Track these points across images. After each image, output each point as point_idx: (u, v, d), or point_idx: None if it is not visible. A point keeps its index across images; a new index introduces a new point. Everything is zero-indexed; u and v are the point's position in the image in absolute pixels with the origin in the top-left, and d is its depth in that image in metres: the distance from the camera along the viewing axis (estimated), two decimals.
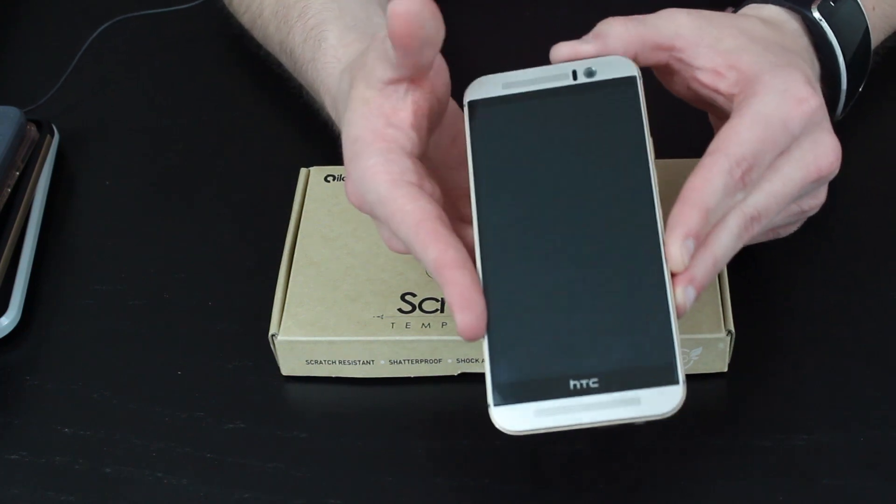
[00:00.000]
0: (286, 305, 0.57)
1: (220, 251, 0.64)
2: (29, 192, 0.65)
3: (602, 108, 0.47)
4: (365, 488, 0.53)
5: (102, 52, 0.76)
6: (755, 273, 0.59)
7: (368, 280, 0.58)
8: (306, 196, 0.62)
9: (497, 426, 0.43)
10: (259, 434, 0.56)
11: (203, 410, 0.57)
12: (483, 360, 0.44)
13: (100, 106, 0.73)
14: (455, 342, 0.55)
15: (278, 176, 0.65)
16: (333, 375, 0.57)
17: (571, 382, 0.43)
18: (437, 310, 0.56)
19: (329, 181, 0.62)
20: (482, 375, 0.56)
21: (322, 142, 0.65)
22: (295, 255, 0.59)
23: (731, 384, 0.56)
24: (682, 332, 0.54)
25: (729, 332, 0.54)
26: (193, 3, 0.74)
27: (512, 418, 0.43)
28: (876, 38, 0.60)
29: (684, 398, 0.43)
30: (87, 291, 0.63)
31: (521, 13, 0.76)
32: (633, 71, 0.47)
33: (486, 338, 0.45)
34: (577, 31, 0.76)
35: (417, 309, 0.56)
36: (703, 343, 0.54)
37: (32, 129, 0.68)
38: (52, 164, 0.68)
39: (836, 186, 0.63)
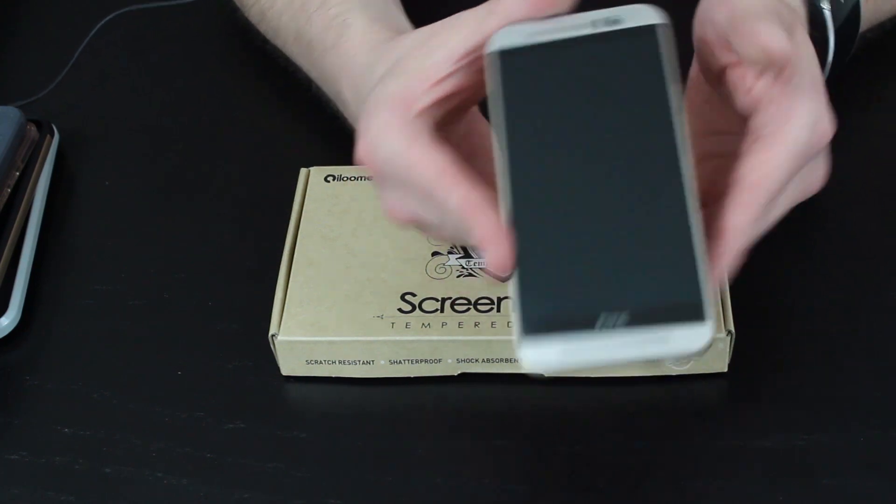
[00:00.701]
0: (286, 305, 0.57)
1: (220, 251, 0.64)
2: (29, 192, 0.65)
3: (624, 56, 0.47)
4: (365, 488, 0.53)
5: (102, 51, 0.76)
6: (755, 273, 0.59)
7: (368, 280, 0.58)
8: (306, 196, 0.62)
9: (523, 363, 0.43)
10: (259, 434, 0.56)
11: (203, 410, 0.57)
12: (511, 299, 0.44)
13: (100, 105, 0.73)
14: (455, 342, 0.55)
15: (279, 176, 0.65)
16: (333, 375, 0.57)
17: (600, 319, 0.43)
18: (436, 309, 0.56)
19: (329, 181, 0.62)
20: (483, 376, 0.56)
21: (322, 142, 0.66)
22: (295, 256, 0.59)
23: (731, 384, 0.56)
24: None
25: (729, 332, 0.54)
26: None
27: (539, 355, 0.43)
28: (866, 20, 0.61)
29: (713, 336, 0.42)
30: (87, 291, 0.63)
31: None
32: (656, 19, 0.47)
33: (515, 275, 0.45)
34: None
35: (417, 309, 0.56)
36: None
37: (32, 129, 0.68)
38: (52, 164, 0.68)
39: (836, 186, 0.63)
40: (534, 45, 0.48)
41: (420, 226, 0.50)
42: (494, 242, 0.45)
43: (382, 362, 0.56)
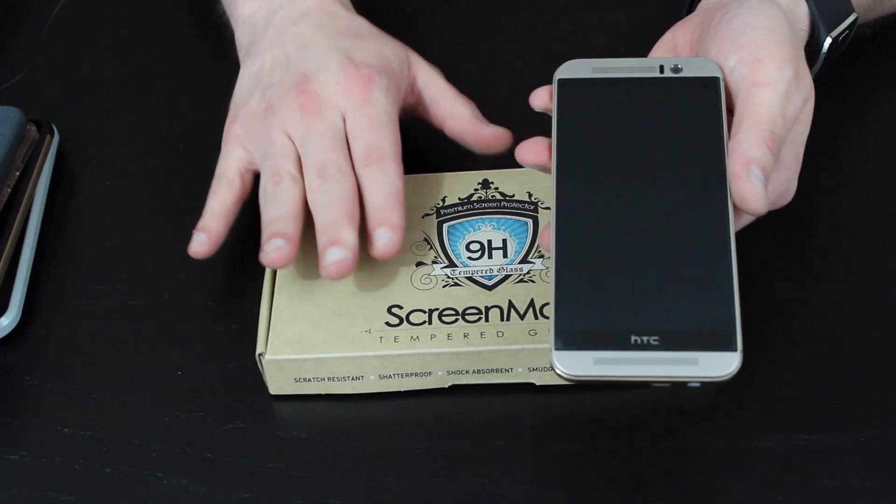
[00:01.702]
0: (272, 323, 0.56)
1: (220, 251, 0.64)
2: (29, 192, 0.65)
3: (684, 100, 0.51)
4: (365, 488, 0.53)
5: (102, 50, 0.76)
6: (754, 273, 0.58)
7: (353, 294, 0.57)
8: None
9: (556, 370, 0.45)
10: (259, 434, 0.56)
11: (203, 410, 0.57)
12: (550, 307, 0.47)
13: (100, 106, 0.73)
14: (445, 354, 0.55)
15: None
16: (323, 393, 0.57)
17: (633, 337, 0.45)
18: (424, 322, 0.56)
19: None
20: (474, 387, 0.56)
21: None
22: (278, 272, 0.59)
23: (730, 384, 0.56)
24: None
25: None
26: None
27: (571, 363, 0.45)
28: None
29: (740, 365, 0.45)
30: (87, 291, 0.63)
31: (520, 13, 0.76)
32: (717, 72, 0.51)
33: (555, 283, 0.47)
34: (575, 31, 0.76)
35: (405, 322, 0.56)
36: None
37: (32, 129, 0.68)
38: (52, 164, 0.68)
39: (835, 186, 0.63)
40: (597, 79, 0.52)
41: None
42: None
43: (372, 377, 0.56)
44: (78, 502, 0.54)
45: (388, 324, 0.56)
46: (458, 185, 0.62)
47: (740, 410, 0.55)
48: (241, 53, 0.66)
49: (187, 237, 0.65)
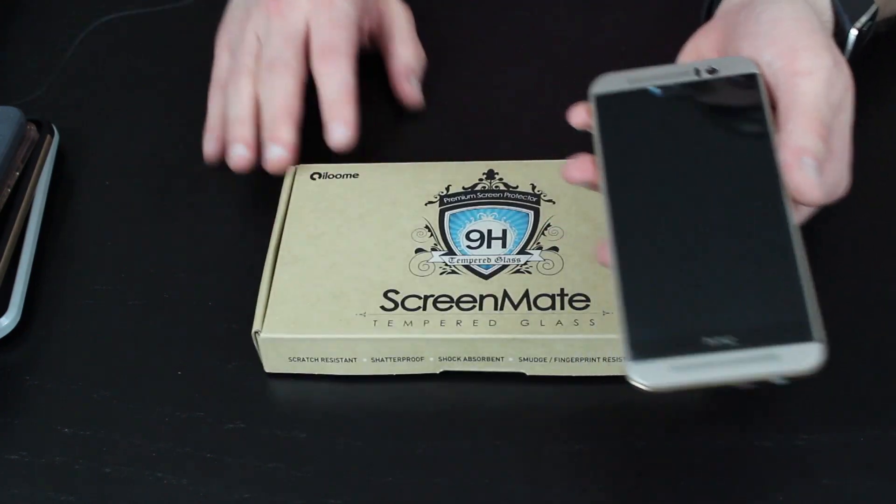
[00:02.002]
0: (269, 303, 0.57)
1: (220, 251, 0.64)
2: (29, 192, 0.65)
3: (725, 99, 0.51)
4: (365, 488, 0.53)
5: (101, 52, 0.76)
6: None
7: (352, 277, 0.58)
8: (292, 194, 0.62)
9: (633, 382, 0.44)
10: (259, 434, 0.56)
11: (203, 410, 0.57)
12: (617, 318, 0.46)
13: (100, 106, 0.73)
14: (437, 340, 0.55)
15: (273, 181, 0.65)
16: (316, 373, 0.57)
17: (707, 339, 0.44)
18: (419, 307, 0.56)
19: (315, 179, 0.63)
20: (464, 374, 0.56)
21: (308, 140, 0.65)
22: (280, 253, 0.59)
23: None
24: None
25: None
26: (189, 1, 0.74)
27: (649, 373, 0.44)
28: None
29: (824, 356, 0.44)
30: (87, 291, 0.63)
31: (520, 12, 0.76)
32: (754, 68, 0.51)
33: (620, 296, 0.46)
34: (575, 31, 0.76)
35: (400, 307, 0.56)
36: None
37: (32, 129, 0.68)
38: (52, 164, 0.68)
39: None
40: (634, 90, 0.52)
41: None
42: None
43: (364, 360, 0.57)
44: (78, 502, 0.54)
45: (383, 308, 0.56)
46: (462, 174, 0.62)
47: (741, 410, 0.55)
48: None
49: (187, 237, 0.65)
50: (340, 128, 0.62)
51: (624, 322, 0.45)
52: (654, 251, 0.47)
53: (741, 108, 0.50)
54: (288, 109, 0.62)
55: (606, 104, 0.52)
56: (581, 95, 0.70)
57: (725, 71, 0.51)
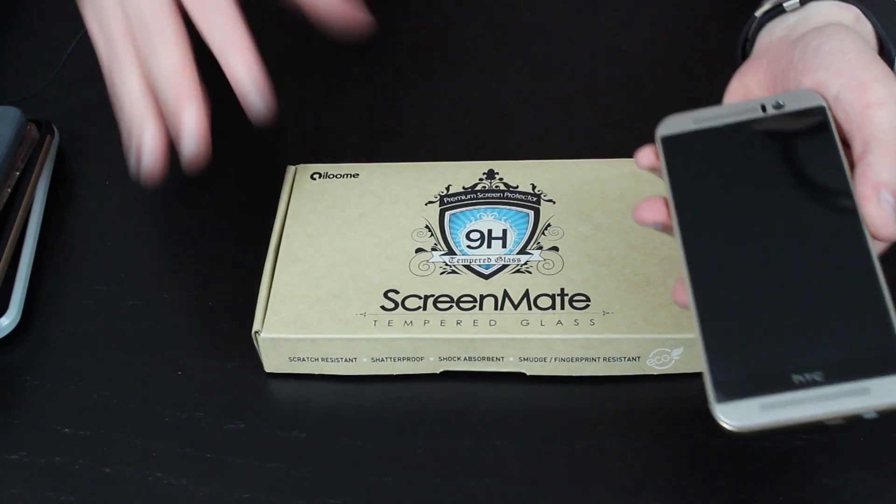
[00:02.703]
0: (270, 303, 0.57)
1: (220, 251, 0.64)
2: (29, 192, 0.65)
3: (795, 134, 0.50)
4: (365, 488, 0.53)
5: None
6: None
7: (352, 277, 0.58)
8: (292, 194, 0.62)
9: (721, 423, 0.44)
10: (259, 434, 0.56)
11: (203, 410, 0.57)
12: (700, 358, 0.45)
13: (100, 106, 0.73)
14: (437, 340, 0.56)
15: (279, 175, 0.65)
16: (316, 373, 0.57)
17: (794, 376, 0.43)
18: (419, 307, 0.56)
19: (315, 179, 0.63)
20: (464, 374, 0.56)
21: (309, 140, 0.65)
22: (280, 253, 0.59)
23: None
24: (664, 332, 0.54)
25: None
26: None
27: (737, 414, 0.43)
28: None
29: None
30: (87, 291, 0.63)
31: (520, 12, 0.76)
32: (821, 101, 0.50)
33: (702, 335, 0.46)
34: (575, 31, 0.76)
35: (400, 307, 0.56)
36: (685, 343, 0.55)
37: (32, 129, 0.68)
38: (52, 164, 0.68)
39: None
40: (701, 130, 0.51)
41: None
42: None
43: (365, 360, 0.57)
44: (78, 502, 0.54)
45: (383, 308, 0.56)
46: (463, 174, 0.62)
47: None
48: None
49: (187, 237, 0.65)
50: (254, 96, 0.56)
51: (707, 362, 0.45)
52: (734, 289, 0.46)
53: (812, 142, 0.50)
54: (183, 71, 0.55)
55: (674, 145, 0.51)
56: (580, 94, 0.71)
57: (792, 105, 0.50)
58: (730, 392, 0.44)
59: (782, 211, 0.48)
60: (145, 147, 0.56)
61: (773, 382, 0.43)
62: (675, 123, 0.52)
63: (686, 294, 0.47)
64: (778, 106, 0.51)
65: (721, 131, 0.51)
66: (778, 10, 0.56)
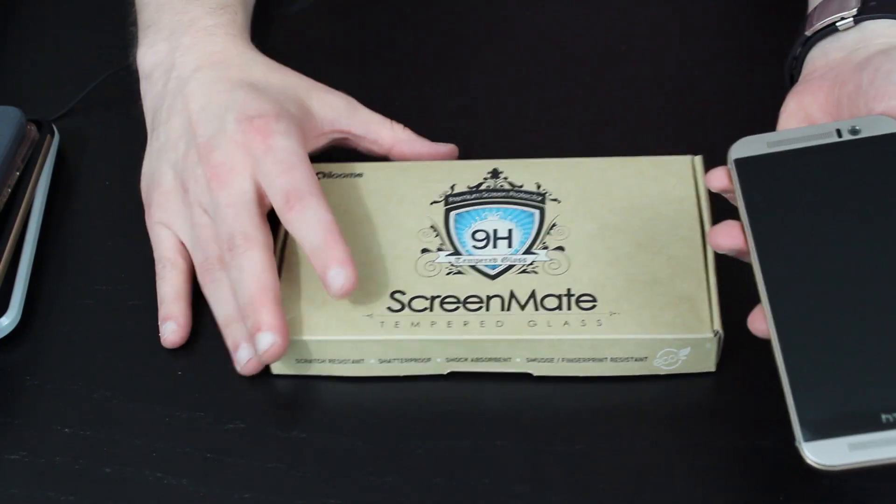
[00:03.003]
0: None
1: None
2: (29, 192, 0.65)
3: (871, 161, 0.49)
4: (365, 488, 0.53)
5: (102, 51, 0.76)
6: (750, 271, 0.58)
7: (357, 278, 0.58)
8: None
9: (809, 462, 0.43)
10: (259, 434, 0.56)
11: (203, 410, 0.57)
12: (786, 396, 0.45)
13: (100, 106, 0.73)
14: (444, 341, 0.55)
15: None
16: (324, 374, 0.57)
17: (883, 416, 0.43)
18: (426, 308, 0.56)
19: (319, 178, 0.62)
20: (472, 374, 0.56)
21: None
22: (285, 253, 0.59)
23: (731, 384, 0.56)
24: (671, 332, 0.54)
25: (716, 332, 0.54)
26: None
27: (825, 453, 0.43)
28: None
29: None
30: (87, 291, 0.63)
31: (521, 13, 0.76)
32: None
33: (786, 371, 0.45)
34: (576, 30, 0.76)
35: (406, 307, 0.56)
36: (692, 343, 0.55)
37: (32, 129, 0.68)
38: (52, 164, 0.68)
39: None
40: (775, 153, 0.50)
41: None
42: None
43: (372, 361, 0.56)
44: (78, 502, 0.54)
45: (389, 309, 0.56)
46: (467, 173, 0.62)
47: (740, 410, 0.55)
48: (147, 118, 0.65)
49: None
50: (340, 272, 0.55)
51: (793, 399, 0.44)
52: (817, 321, 0.46)
53: (889, 169, 0.49)
54: (264, 288, 0.55)
55: (748, 168, 0.50)
56: (581, 93, 0.71)
57: (868, 131, 0.50)
58: (817, 431, 0.43)
59: (865, 239, 0.47)
60: (239, 364, 0.57)
61: (862, 421, 0.43)
62: (748, 146, 0.51)
63: (766, 324, 0.46)
64: (854, 131, 0.50)
65: (797, 155, 0.50)
66: (830, 30, 0.55)
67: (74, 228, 0.66)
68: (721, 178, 0.51)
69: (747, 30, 0.73)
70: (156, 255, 0.61)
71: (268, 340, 0.55)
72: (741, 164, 0.50)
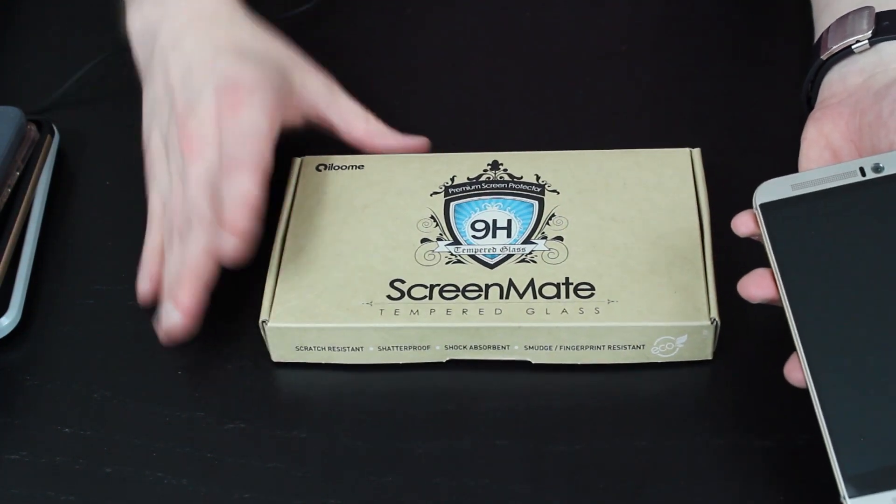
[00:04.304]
0: (276, 293, 0.58)
1: None
2: (29, 192, 0.65)
3: None
4: (365, 488, 0.53)
5: (103, 50, 0.76)
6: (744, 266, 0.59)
7: (358, 267, 0.58)
8: (298, 185, 0.62)
9: None
10: (259, 434, 0.56)
11: (203, 410, 0.57)
12: (828, 451, 0.45)
13: (100, 106, 0.73)
14: (443, 329, 0.56)
15: (285, 167, 0.65)
16: (323, 361, 0.57)
17: None
18: (425, 296, 0.56)
19: (320, 170, 0.63)
20: (471, 362, 0.56)
21: (314, 132, 0.65)
22: (286, 243, 0.60)
23: (731, 384, 0.56)
24: (669, 320, 0.54)
25: (713, 320, 0.54)
26: None
27: None
28: None
29: None
30: (87, 291, 0.63)
31: (519, 13, 0.76)
32: None
33: (827, 430, 0.45)
34: (575, 31, 0.76)
35: (406, 296, 0.57)
36: (689, 331, 0.55)
37: (32, 129, 0.68)
38: (52, 164, 0.68)
39: None
40: (800, 196, 0.49)
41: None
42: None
43: (371, 349, 0.57)
44: (78, 502, 0.54)
45: (389, 297, 0.57)
46: (467, 164, 0.62)
47: (740, 410, 0.55)
48: (140, 69, 0.65)
49: None
50: (231, 240, 0.56)
51: (835, 453, 0.44)
52: (855, 372, 0.45)
53: None
54: (196, 270, 0.57)
55: (774, 213, 0.50)
56: (581, 88, 0.71)
57: (891, 168, 0.49)
58: (862, 486, 0.43)
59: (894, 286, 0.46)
60: (166, 325, 0.58)
61: None
62: (772, 190, 0.50)
63: (802, 374, 0.46)
64: (877, 169, 0.49)
65: (822, 197, 0.49)
66: (846, 52, 0.54)
67: (74, 228, 0.66)
68: (747, 224, 0.50)
69: (747, 30, 0.73)
70: (148, 211, 0.62)
71: (173, 317, 0.57)
72: (767, 209, 0.50)
